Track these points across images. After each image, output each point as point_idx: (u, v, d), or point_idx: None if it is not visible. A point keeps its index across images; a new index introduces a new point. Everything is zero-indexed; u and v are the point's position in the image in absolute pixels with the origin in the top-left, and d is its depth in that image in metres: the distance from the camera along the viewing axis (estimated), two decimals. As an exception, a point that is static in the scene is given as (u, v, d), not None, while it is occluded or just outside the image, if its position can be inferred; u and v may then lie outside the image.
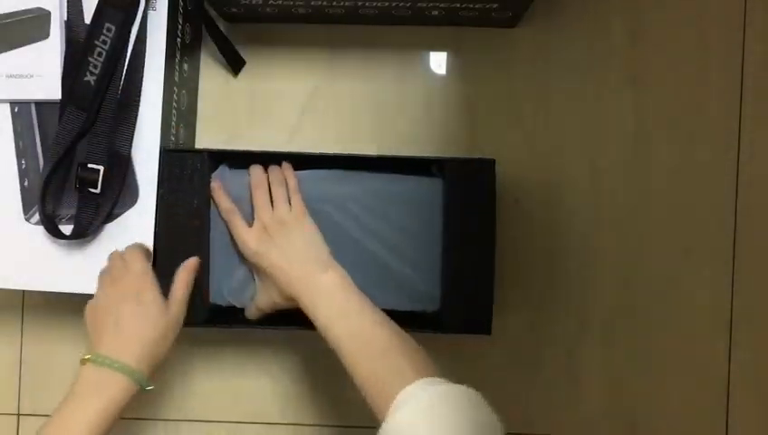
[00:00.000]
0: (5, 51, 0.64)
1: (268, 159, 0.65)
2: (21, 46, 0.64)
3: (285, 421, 0.76)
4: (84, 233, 0.63)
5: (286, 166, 0.64)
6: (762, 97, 0.76)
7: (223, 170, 0.66)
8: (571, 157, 0.77)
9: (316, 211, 0.63)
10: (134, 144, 0.64)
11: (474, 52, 0.73)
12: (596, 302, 0.76)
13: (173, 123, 0.68)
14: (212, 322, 0.66)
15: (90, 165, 0.63)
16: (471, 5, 0.68)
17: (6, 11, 0.63)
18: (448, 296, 0.65)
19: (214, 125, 0.77)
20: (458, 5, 0.68)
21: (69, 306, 0.76)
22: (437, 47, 0.77)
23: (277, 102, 0.77)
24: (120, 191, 0.63)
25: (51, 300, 0.77)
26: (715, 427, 0.76)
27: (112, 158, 0.63)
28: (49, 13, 0.63)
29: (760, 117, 0.77)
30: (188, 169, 0.64)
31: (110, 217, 0.64)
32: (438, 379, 0.50)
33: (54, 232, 0.63)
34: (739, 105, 0.77)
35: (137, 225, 0.64)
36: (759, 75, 0.77)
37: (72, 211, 0.64)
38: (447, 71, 0.77)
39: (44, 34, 0.64)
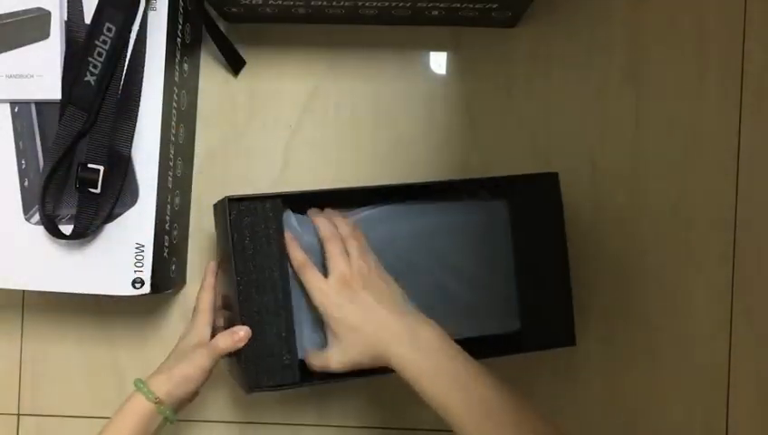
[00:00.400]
0: (5, 51, 0.64)
1: (327, 198, 0.63)
2: (21, 46, 0.64)
3: (285, 421, 0.76)
4: (84, 233, 0.63)
5: (345, 221, 0.61)
6: (762, 97, 0.77)
7: (288, 217, 0.62)
8: (571, 157, 0.77)
9: (379, 254, 0.61)
10: (134, 144, 0.64)
11: (474, 52, 0.73)
12: (596, 302, 0.76)
13: (173, 123, 0.68)
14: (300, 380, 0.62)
15: (90, 165, 0.63)
16: (471, 5, 0.68)
17: (6, 11, 0.63)
18: (529, 314, 0.65)
19: (214, 125, 0.77)
20: (458, 5, 0.68)
21: (69, 306, 0.77)
22: (437, 47, 0.77)
23: (277, 102, 0.77)
24: (119, 191, 0.63)
25: (51, 300, 0.77)
26: (715, 427, 0.76)
27: (112, 158, 0.63)
28: (49, 13, 0.63)
29: (760, 117, 0.77)
30: (261, 218, 0.59)
31: (110, 217, 0.64)
32: None
33: (54, 232, 0.63)
34: (739, 105, 0.77)
35: (137, 225, 0.64)
36: (759, 75, 0.77)
37: (72, 211, 0.64)
38: (447, 71, 0.77)
39: (44, 34, 0.64)
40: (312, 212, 0.62)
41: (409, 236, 0.63)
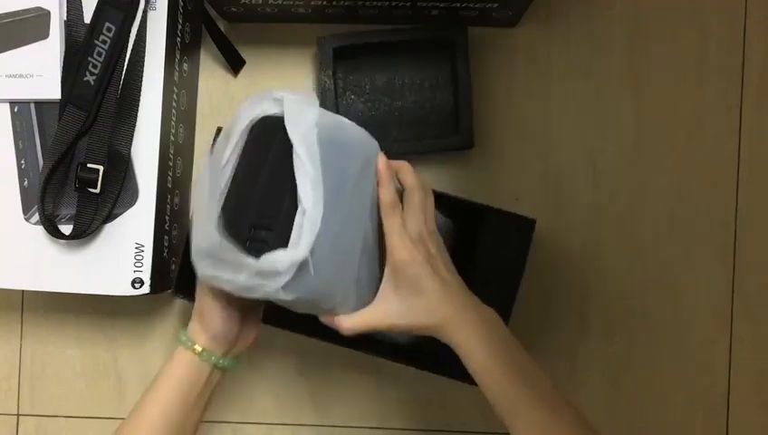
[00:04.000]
0: (5, 51, 0.64)
1: None
2: (21, 46, 0.64)
3: (285, 421, 0.76)
4: (84, 233, 0.63)
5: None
6: (762, 97, 0.77)
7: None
8: (572, 156, 0.77)
9: None
10: (134, 144, 0.64)
11: (474, 51, 0.73)
12: (596, 302, 0.76)
13: (173, 123, 0.68)
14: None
15: (89, 165, 0.63)
16: (471, 5, 0.68)
17: (6, 11, 0.63)
18: None
19: (214, 125, 0.77)
20: (458, 5, 0.68)
21: (69, 306, 0.77)
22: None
23: (277, 102, 0.77)
24: (119, 191, 0.63)
25: (51, 300, 0.77)
26: (715, 427, 0.76)
27: (112, 157, 0.63)
28: (49, 13, 0.63)
29: (760, 117, 0.77)
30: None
31: (110, 217, 0.64)
32: None
33: (54, 232, 0.63)
34: (739, 105, 0.77)
35: (137, 225, 0.64)
36: (759, 75, 0.77)
37: (72, 211, 0.64)
38: (447, 71, 0.77)
39: (44, 34, 0.64)
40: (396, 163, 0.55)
41: None
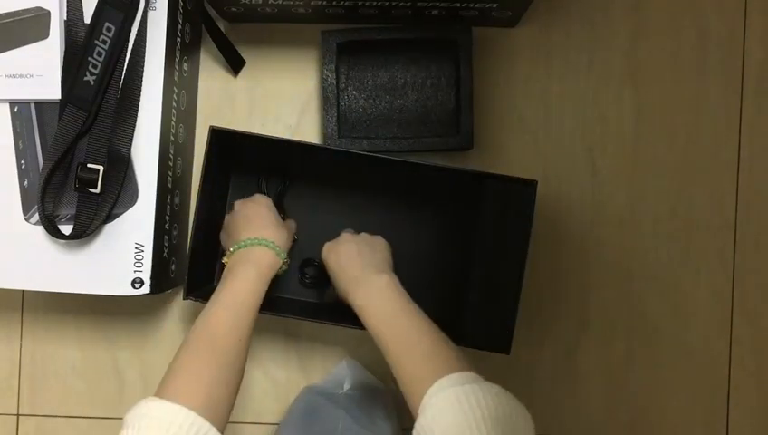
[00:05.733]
0: (5, 51, 0.64)
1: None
2: (21, 46, 0.64)
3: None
4: (84, 233, 0.63)
5: None
6: (762, 97, 0.77)
7: None
8: (571, 157, 0.77)
9: None
10: (134, 144, 0.64)
11: (474, 51, 0.73)
12: (596, 302, 0.76)
13: (173, 123, 0.68)
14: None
15: (89, 165, 0.63)
16: (471, 5, 0.68)
17: (6, 11, 0.63)
18: (474, 312, 0.65)
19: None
20: (458, 5, 0.68)
21: (69, 306, 0.77)
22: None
23: (277, 102, 0.77)
24: (119, 191, 0.63)
25: (51, 300, 0.77)
26: (716, 427, 0.76)
27: (112, 157, 0.63)
28: (49, 13, 0.63)
29: (760, 117, 0.77)
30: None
31: (110, 216, 0.64)
32: (468, 376, 0.50)
33: (54, 232, 0.63)
34: (739, 105, 0.77)
35: (137, 225, 0.64)
36: (759, 75, 0.77)
37: (72, 211, 0.64)
38: (447, 71, 0.77)
39: (44, 34, 0.64)
40: None
41: None
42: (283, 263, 0.64)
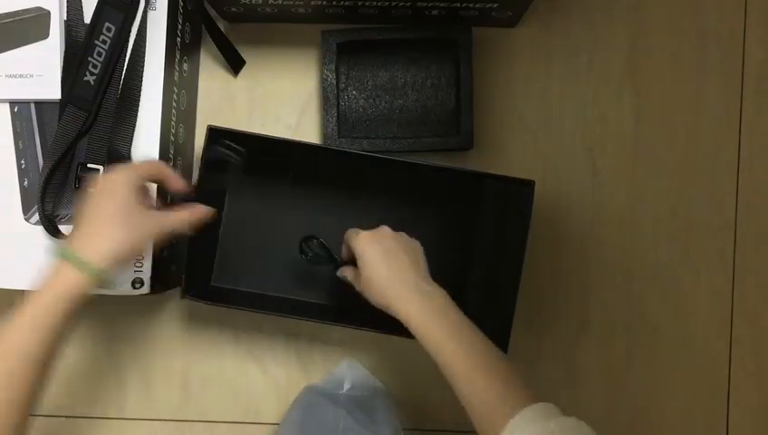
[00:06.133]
0: (5, 51, 0.64)
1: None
2: (21, 46, 0.64)
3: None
4: (84, 233, 0.63)
5: None
6: (762, 97, 0.77)
7: None
8: (571, 157, 0.77)
9: None
10: (134, 144, 0.64)
11: (474, 51, 0.73)
12: (596, 302, 0.76)
13: (173, 123, 0.68)
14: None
15: (90, 165, 0.63)
16: (471, 5, 0.68)
17: (6, 11, 0.63)
18: (469, 312, 0.66)
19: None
20: (458, 5, 0.68)
21: (69, 306, 0.76)
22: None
23: (277, 102, 0.77)
24: (119, 191, 0.63)
25: (51, 300, 0.77)
26: (716, 427, 0.76)
27: (112, 157, 0.63)
28: (49, 13, 0.63)
29: (760, 117, 0.77)
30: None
31: (110, 217, 0.64)
32: (549, 408, 0.50)
33: (54, 232, 0.63)
34: (739, 105, 0.77)
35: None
36: (759, 75, 0.77)
37: (72, 211, 0.64)
38: (447, 71, 0.77)
39: (44, 34, 0.64)
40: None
41: None
42: (95, 277, 0.51)
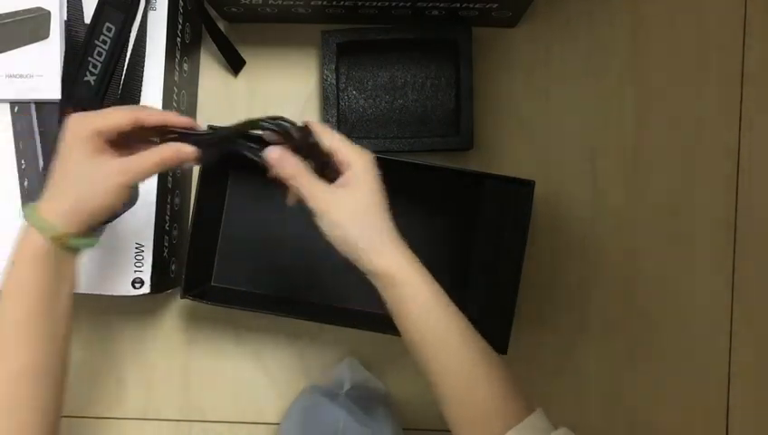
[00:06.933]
0: (5, 51, 0.64)
1: None
2: (21, 46, 0.64)
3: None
4: (84, 233, 0.63)
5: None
6: (762, 97, 0.77)
7: None
8: (571, 156, 0.77)
9: None
10: (134, 144, 0.64)
11: (473, 51, 0.73)
12: (596, 302, 0.76)
13: (173, 123, 0.68)
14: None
15: (90, 165, 0.62)
16: (471, 5, 0.68)
17: (6, 11, 0.63)
18: (469, 312, 0.66)
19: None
20: (458, 5, 0.68)
21: (69, 306, 0.76)
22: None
23: (277, 102, 0.77)
24: (119, 191, 0.63)
25: (51, 300, 0.77)
26: (715, 426, 0.76)
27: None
28: (49, 13, 0.63)
29: (760, 117, 0.77)
30: None
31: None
32: (539, 419, 0.48)
33: (54, 232, 0.63)
34: (739, 105, 0.77)
35: (137, 225, 0.64)
36: (759, 75, 0.77)
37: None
38: (447, 71, 0.77)
39: (44, 34, 0.64)
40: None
41: None
42: (59, 240, 0.47)
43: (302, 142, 0.49)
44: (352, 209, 0.48)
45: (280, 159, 0.48)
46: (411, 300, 0.48)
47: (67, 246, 0.48)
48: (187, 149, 0.50)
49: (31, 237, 0.48)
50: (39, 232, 0.47)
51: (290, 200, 0.52)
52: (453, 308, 0.49)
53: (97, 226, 0.51)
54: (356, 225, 0.47)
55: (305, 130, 0.49)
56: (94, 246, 0.51)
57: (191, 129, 0.51)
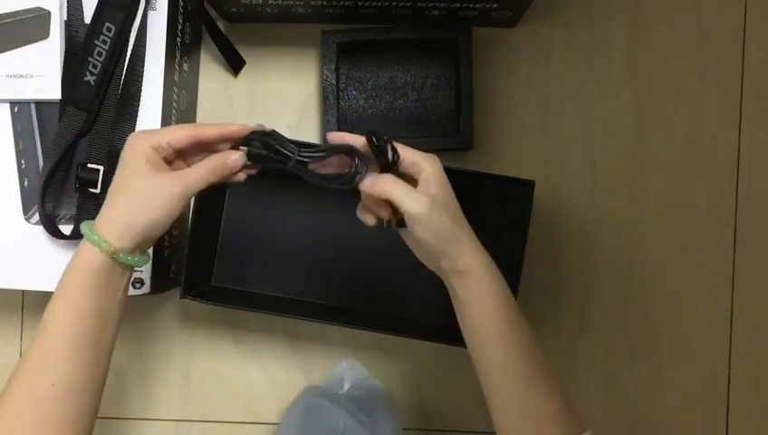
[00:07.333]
0: (5, 51, 0.64)
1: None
2: (21, 46, 0.64)
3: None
4: (84, 233, 0.63)
5: None
6: (762, 97, 0.77)
7: None
8: (571, 157, 0.77)
9: None
10: (134, 144, 0.64)
11: (473, 51, 0.73)
12: (596, 302, 0.76)
13: (173, 123, 0.68)
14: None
15: (89, 165, 0.62)
16: (471, 5, 0.68)
17: (6, 11, 0.63)
18: None
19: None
20: (458, 5, 0.68)
21: (69, 306, 0.76)
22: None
23: (277, 102, 0.77)
24: (119, 191, 0.63)
25: (51, 300, 0.77)
26: (715, 426, 0.76)
27: (112, 158, 0.63)
28: (49, 13, 0.63)
29: (760, 117, 0.77)
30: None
31: (110, 216, 0.64)
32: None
33: (54, 232, 0.63)
34: (739, 105, 0.77)
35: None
36: (759, 75, 0.77)
37: (72, 211, 0.64)
38: (447, 71, 0.77)
39: (44, 34, 0.64)
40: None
41: None
42: (112, 255, 0.48)
43: (382, 159, 0.50)
44: (443, 210, 0.49)
45: (374, 181, 0.50)
46: (491, 294, 0.50)
47: (120, 261, 0.49)
48: (234, 156, 0.51)
49: (86, 252, 0.48)
50: (93, 246, 0.48)
51: (370, 220, 0.53)
52: (519, 312, 0.51)
53: (150, 243, 0.52)
54: (447, 223, 0.49)
55: (392, 147, 0.50)
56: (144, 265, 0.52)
57: (246, 132, 0.52)
